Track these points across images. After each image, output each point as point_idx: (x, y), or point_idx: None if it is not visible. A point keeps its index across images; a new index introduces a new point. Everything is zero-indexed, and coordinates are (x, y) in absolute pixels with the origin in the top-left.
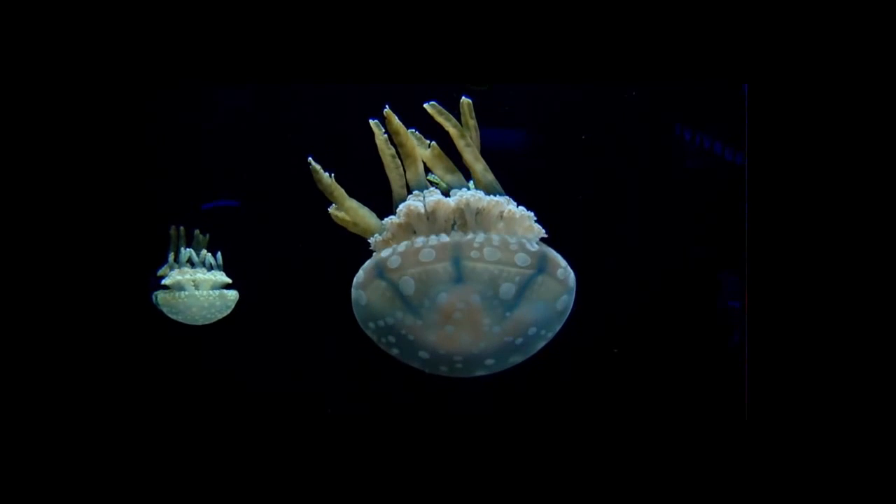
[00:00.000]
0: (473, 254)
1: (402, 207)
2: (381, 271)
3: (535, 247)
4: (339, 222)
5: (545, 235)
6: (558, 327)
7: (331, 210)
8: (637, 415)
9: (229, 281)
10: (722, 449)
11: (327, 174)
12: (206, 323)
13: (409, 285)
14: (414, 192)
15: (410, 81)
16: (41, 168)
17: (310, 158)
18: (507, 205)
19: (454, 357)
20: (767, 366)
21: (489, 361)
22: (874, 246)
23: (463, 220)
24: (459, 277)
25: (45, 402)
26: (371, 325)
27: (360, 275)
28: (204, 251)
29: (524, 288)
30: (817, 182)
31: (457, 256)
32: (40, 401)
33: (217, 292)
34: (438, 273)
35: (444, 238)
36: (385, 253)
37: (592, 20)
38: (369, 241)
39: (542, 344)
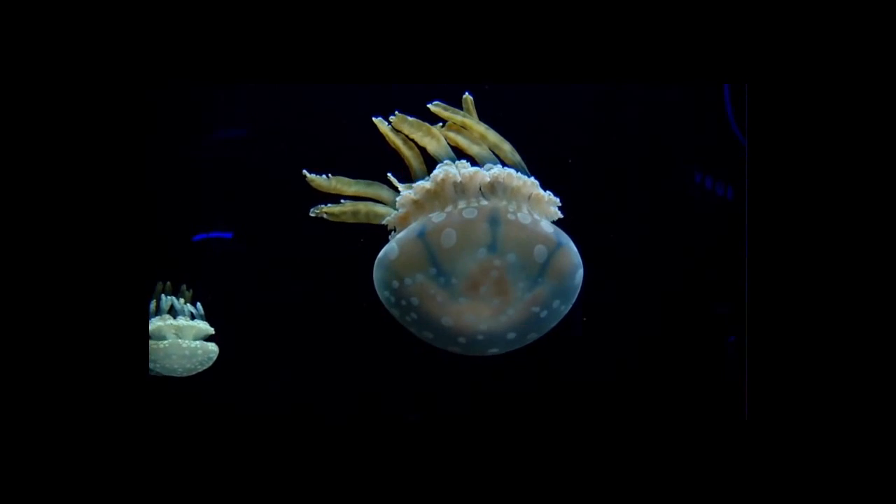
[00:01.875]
0: (510, 216)
1: (438, 172)
2: (422, 230)
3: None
4: (336, 218)
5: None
6: (572, 303)
7: (322, 209)
8: (633, 443)
9: (212, 331)
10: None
11: (324, 176)
12: (186, 375)
13: (450, 238)
14: (445, 162)
15: (408, 82)
16: (24, 199)
17: (305, 171)
18: (537, 187)
19: (478, 327)
20: (768, 399)
21: (511, 335)
22: (876, 257)
23: (493, 194)
24: (495, 241)
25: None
26: (395, 283)
27: (402, 233)
28: (182, 300)
29: (550, 258)
30: (820, 188)
31: (496, 217)
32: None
33: (199, 342)
34: (478, 233)
35: (484, 201)
36: (426, 213)
37: (590, 21)
38: (401, 191)
39: (554, 323)
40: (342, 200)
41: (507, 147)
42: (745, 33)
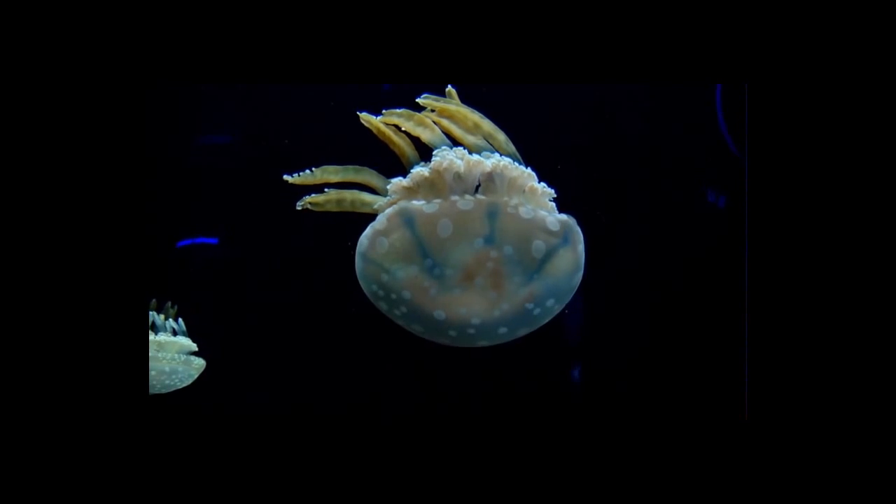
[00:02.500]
0: (510, 210)
1: (439, 160)
2: (409, 219)
3: (562, 217)
4: (321, 208)
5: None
6: (566, 303)
7: (306, 200)
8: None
9: (195, 347)
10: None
11: (308, 171)
12: (165, 392)
13: (446, 228)
14: (442, 148)
15: (401, 82)
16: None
17: (285, 175)
18: (534, 179)
19: (471, 320)
20: (768, 400)
21: (502, 330)
22: (878, 257)
23: (491, 185)
24: (492, 233)
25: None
26: (384, 276)
27: (382, 220)
28: (163, 316)
29: (549, 255)
30: (819, 188)
31: (494, 212)
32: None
33: (182, 357)
34: (475, 224)
35: (481, 195)
36: (417, 202)
37: (589, 20)
38: (389, 182)
39: (546, 320)
40: (326, 190)
41: (501, 137)
42: (744, 33)
